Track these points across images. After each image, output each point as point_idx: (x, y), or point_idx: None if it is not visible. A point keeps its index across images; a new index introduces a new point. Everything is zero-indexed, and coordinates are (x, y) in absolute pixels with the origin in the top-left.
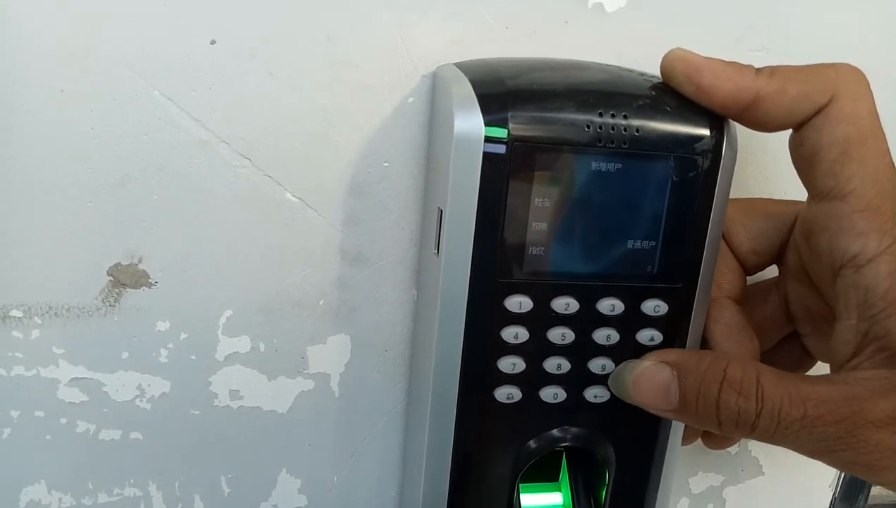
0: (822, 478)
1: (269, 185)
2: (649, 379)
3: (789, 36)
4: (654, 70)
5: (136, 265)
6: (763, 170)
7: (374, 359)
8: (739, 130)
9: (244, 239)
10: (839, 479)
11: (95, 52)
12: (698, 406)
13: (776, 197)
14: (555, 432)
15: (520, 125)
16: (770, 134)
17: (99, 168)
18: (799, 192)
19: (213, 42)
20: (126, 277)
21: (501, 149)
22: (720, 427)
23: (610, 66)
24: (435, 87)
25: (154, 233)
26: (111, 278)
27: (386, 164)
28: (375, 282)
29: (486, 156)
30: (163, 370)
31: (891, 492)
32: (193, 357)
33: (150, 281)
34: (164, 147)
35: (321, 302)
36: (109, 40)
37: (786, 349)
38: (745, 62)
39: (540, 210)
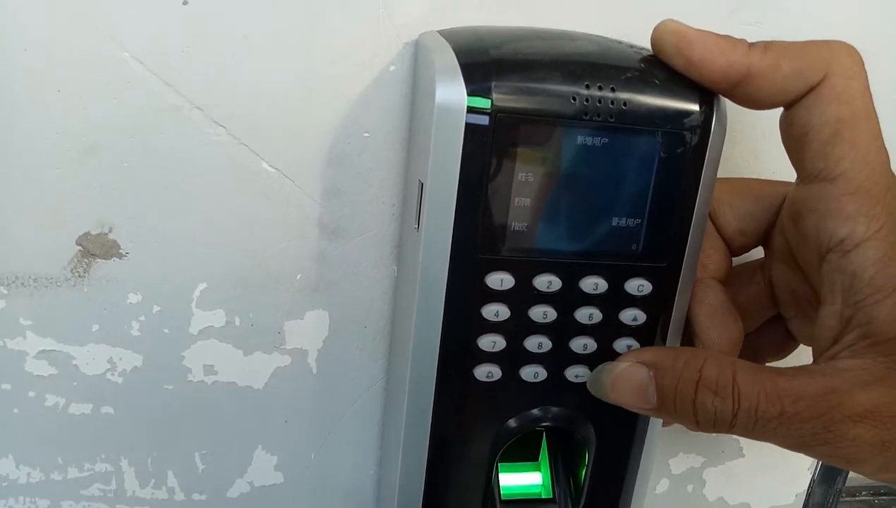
0: (802, 461)
1: (245, 154)
2: (627, 380)
3: (784, 10)
4: (643, 42)
5: (107, 235)
6: (752, 148)
7: (352, 335)
8: (729, 107)
9: (219, 209)
10: (818, 463)
11: (62, 12)
12: (676, 405)
13: (765, 177)
14: (535, 411)
15: (504, 95)
16: (760, 112)
17: (66, 133)
18: (788, 173)
19: (185, 2)
20: (96, 247)
21: (485, 120)
22: (698, 426)
23: (598, 36)
24: (417, 56)
25: (125, 202)
26: (80, 248)
27: (366, 135)
28: (355, 257)
29: (469, 127)
30: (135, 343)
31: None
32: (166, 330)
33: (120, 251)
34: (134, 112)
35: (299, 276)
36: (78, 1)
37: (770, 331)
38: (737, 36)
39: (523, 184)
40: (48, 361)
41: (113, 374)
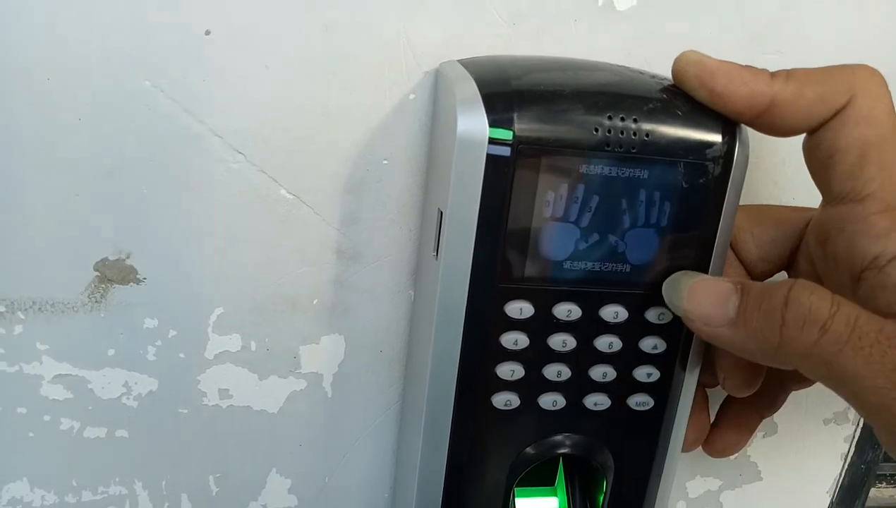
0: (821, 484)
1: (264, 181)
2: (708, 289)
3: (805, 38)
4: (665, 71)
5: (124, 260)
6: (772, 175)
7: (368, 360)
8: (750, 134)
9: (237, 235)
10: (837, 485)
11: (84, 40)
12: (760, 310)
13: (785, 203)
14: (553, 439)
15: (525, 126)
16: (780, 138)
17: (86, 159)
18: (808, 198)
19: (207, 32)
20: (113, 273)
21: (506, 151)
22: (781, 335)
23: (619, 66)
24: (438, 85)
25: (143, 228)
26: (98, 273)
27: (385, 162)
28: (371, 282)
29: (490, 158)
30: (150, 367)
31: (887, 495)
32: (182, 355)
33: (138, 276)
34: (154, 139)
35: (315, 302)
36: (99, 28)
37: None
38: (759, 65)
39: (544, 214)
40: (64, 385)
41: (128, 398)
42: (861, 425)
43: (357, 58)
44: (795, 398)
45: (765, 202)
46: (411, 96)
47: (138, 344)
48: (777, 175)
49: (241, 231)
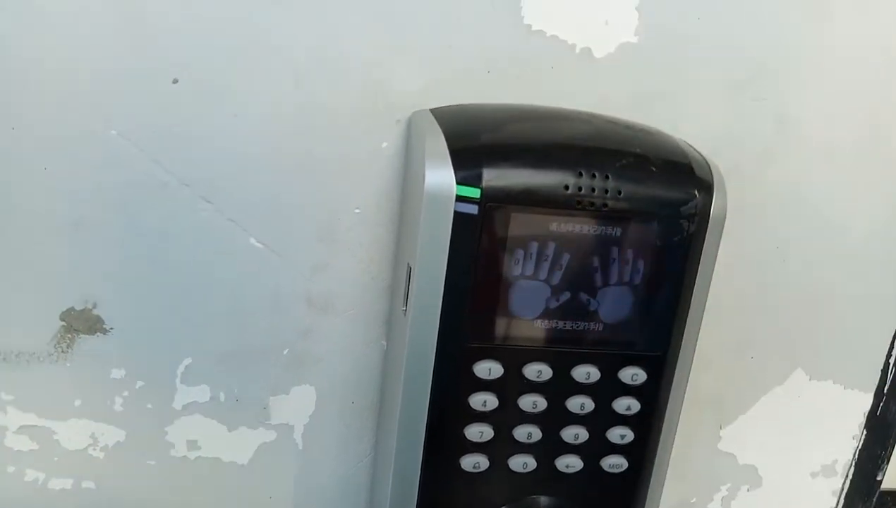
0: None
1: (233, 230)
2: None
3: (795, 84)
4: (643, 117)
5: (91, 310)
6: (759, 222)
7: (339, 411)
8: (733, 183)
9: (205, 285)
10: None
11: (50, 89)
12: None
13: (768, 251)
14: (524, 501)
15: (494, 184)
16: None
17: (52, 209)
18: (795, 247)
19: (175, 81)
20: (79, 323)
21: (474, 209)
22: None
23: (595, 115)
24: (409, 134)
25: (110, 277)
26: (64, 323)
27: (357, 211)
28: (343, 332)
29: (458, 216)
30: (117, 418)
31: None
32: (150, 405)
33: (105, 326)
34: (121, 188)
35: (285, 352)
36: (64, 74)
37: None
38: (740, 110)
39: (513, 273)
40: (29, 436)
41: (95, 449)
42: (850, 477)
43: (328, 107)
44: (781, 448)
45: (748, 251)
46: (384, 144)
47: (105, 394)
48: (762, 220)
49: (209, 280)
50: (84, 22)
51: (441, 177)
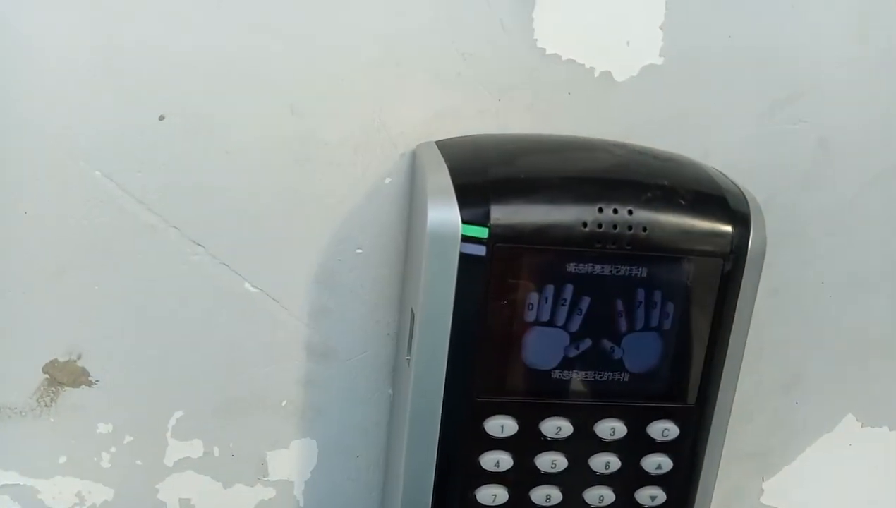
0: None
1: (226, 275)
2: None
3: (837, 105)
4: (670, 146)
5: (75, 362)
6: (800, 254)
7: (344, 466)
8: (772, 214)
9: (197, 333)
10: None
11: (28, 127)
12: None
13: (812, 284)
14: None
15: (503, 222)
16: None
17: (34, 256)
18: (837, 277)
19: (161, 117)
20: (64, 375)
21: (481, 250)
22: None
23: (617, 144)
24: (414, 169)
25: (95, 326)
26: (47, 376)
27: (359, 251)
28: (346, 381)
29: (464, 257)
30: (105, 476)
31: None
32: (139, 462)
33: (90, 379)
34: (106, 233)
35: (284, 403)
36: (43, 114)
37: None
38: (778, 134)
39: (527, 319)
40: (11, 496)
41: None
42: None
43: (326, 141)
44: (831, 503)
45: (791, 284)
46: (387, 180)
47: (92, 450)
48: (804, 253)
49: (201, 328)
50: (63, 55)
51: (445, 214)
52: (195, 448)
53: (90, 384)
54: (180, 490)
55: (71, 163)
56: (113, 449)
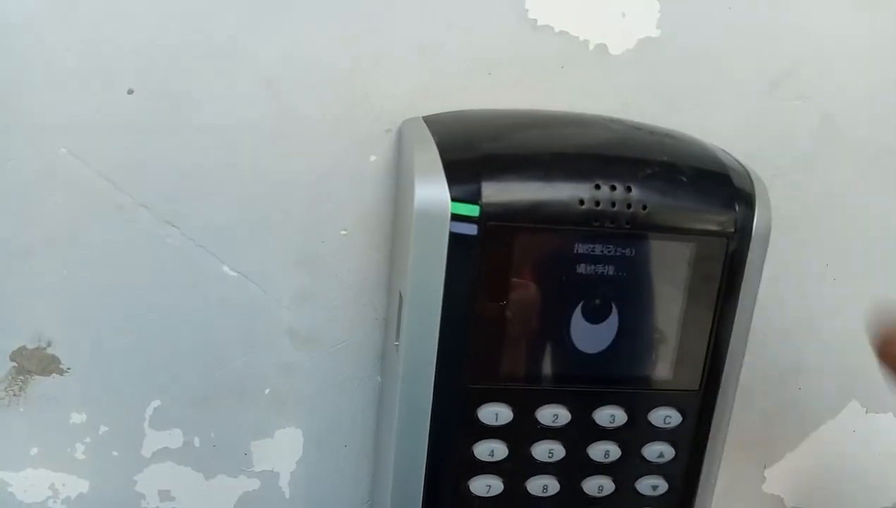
0: None
1: (203, 257)
2: None
3: (841, 80)
4: (668, 121)
5: (45, 349)
6: (804, 238)
7: (331, 456)
8: (776, 193)
9: (173, 318)
10: None
11: None
12: None
13: (815, 268)
14: None
15: (495, 200)
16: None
17: None
18: (840, 264)
19: (130, 91)
20: (32, 363)
21: (472, 229)
22: None
23: (613, 120)
24: (400, 146)
25: (65, 312)
26: (15, 364)
27: (344, 233)
28: (332, 368)
29: (454, 237)
30: (80, 467)
31: None
32: (115, 453)
33: (61, 366)
34: (73, 213)
35: (267, 391)
36: (3, 89)
37: None
38: (779, 110)
39: (520, 302)
40: None
41: (55, 502)
42: None
43: (306, 115)
44: (834, 491)
45: (794, 268)
46: (372, 158)
47: (65, 441)
48: (807, 235)
49: (178, 313)
50: (24, 25)
51: (433, 193)
52: (174, 439)
53: (61, 372)
54: (159, 481)
55: (34, 140)
56: (87, 440)
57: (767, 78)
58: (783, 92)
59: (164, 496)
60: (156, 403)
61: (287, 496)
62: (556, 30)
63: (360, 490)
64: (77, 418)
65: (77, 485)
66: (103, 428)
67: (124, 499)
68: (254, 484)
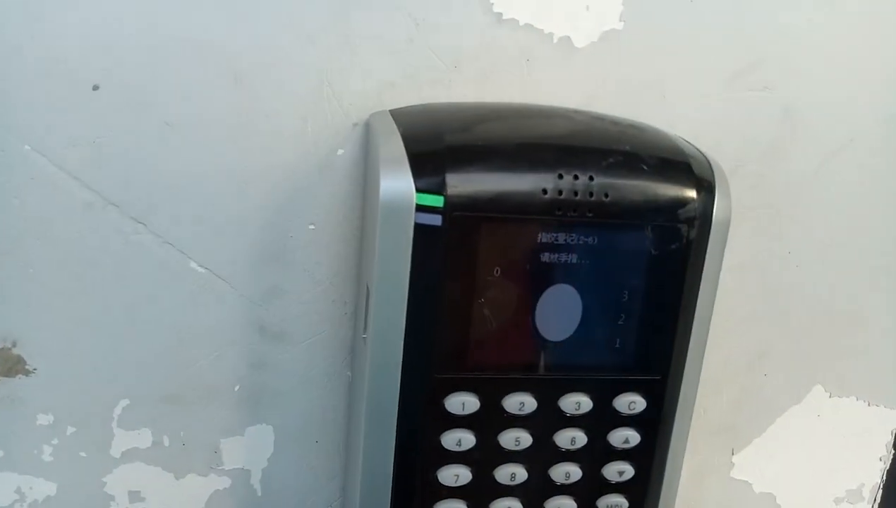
0: None
1: (170, 254)
2: None
3: (803, 71)
4: (632, 113)
5: (10, 349)
6: (765, 227)
7: (302, 452)
8: (736, 185)
9: (141, 317)
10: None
11: None
12: None
13: (780, 257)
14: None
15: (459, 190)
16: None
17: None
18: (805, 251)
19: (95, 87)
20: None
21: (437, 219)
22: None
23: (577, 112)
24: (368, 139)
25: (30, 312)
26: None
27: (312, 227)
28: (302, 363)
29: (419, 228)
30: (47, 470)
31: None
32: (83, 454)
33: (27, 367)
34: (39, 211)
35: (237, 388)
36: None
37: None
38: (742, 102)
39: (486, 292)
40: None
41: (22, 506)
42: (878, 502)
43: (274, 110)
44: (801, 474)
45: (757, 256)
46: (339, 151)
47: (31, 443)
48: (770, 224)
49: (145, 310)
50: None
51: (398, 184)
52: (143, 438)
53: (27, 373)
54: (129, 482)
55: None
56: (55, 441)
57: (731, 70)
58: (746, 84)
59: (134, 496)
60: (124, 402)
61: (259, 493)
62: (521, 23)
63: (332, 486)
64: (44, 419)
65: (44, 488)
66: (71, 429)
67: (93, 501)
68: (225, 483)
